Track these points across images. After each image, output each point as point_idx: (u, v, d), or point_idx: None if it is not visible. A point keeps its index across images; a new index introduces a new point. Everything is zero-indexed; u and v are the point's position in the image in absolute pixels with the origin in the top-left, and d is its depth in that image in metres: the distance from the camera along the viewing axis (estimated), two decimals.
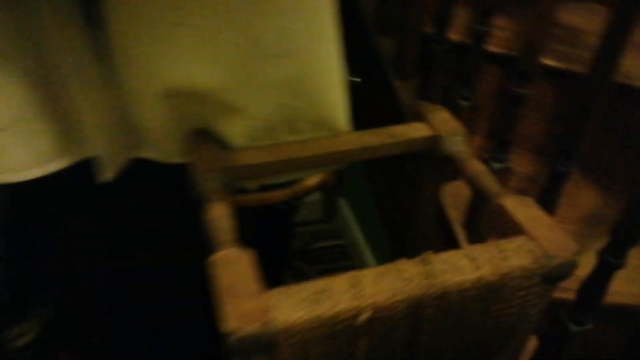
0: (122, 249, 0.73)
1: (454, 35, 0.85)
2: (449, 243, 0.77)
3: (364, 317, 0.40)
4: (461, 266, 0.42)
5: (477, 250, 0.43)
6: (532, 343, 0.69)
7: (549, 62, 0.83)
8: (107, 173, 0.57)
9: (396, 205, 0.93)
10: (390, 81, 0.92)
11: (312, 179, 0.81)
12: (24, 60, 0.48)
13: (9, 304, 0.69)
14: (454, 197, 0.83)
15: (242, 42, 0.45)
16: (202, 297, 0.82)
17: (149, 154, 0.60)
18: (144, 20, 0.46)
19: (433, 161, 0.60)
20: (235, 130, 0.53)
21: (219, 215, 0.47)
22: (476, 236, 0.73)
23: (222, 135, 0.55)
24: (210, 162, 0.51)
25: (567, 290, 0.58)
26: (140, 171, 0.62)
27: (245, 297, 0.39)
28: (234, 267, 0.41)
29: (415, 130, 0.57)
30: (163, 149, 0.59)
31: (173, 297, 0.79)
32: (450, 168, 0.65)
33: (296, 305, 0.39)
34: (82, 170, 0.58)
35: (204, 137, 0.55)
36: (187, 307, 0.83)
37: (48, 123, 0.52)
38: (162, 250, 0.75)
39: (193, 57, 0.46)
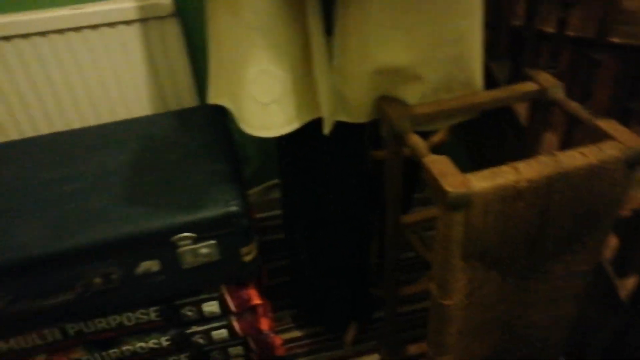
0: (318, 186, 1.05)
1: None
2: None
3: (521, 185, 0.69)
4: (576, 157, 0.71)
5: (586, 148, 0.72)
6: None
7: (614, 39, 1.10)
8: (326, 130, 0.88)
9: (498, 156, 1.21)
10: (487, 63, 1.21)
11: (437, 136, 1.10)
12: (293, 51, 0.80)
13: (246, 228, 1.02)
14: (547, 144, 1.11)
15: (432, 32, 0.76)
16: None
17: (344, 117, 0.91)
18: (367, 26, 0.77)
19: (541, 107, 0.88)
20: (413, 93, 0.84)
21: (417, 140, 0.77)
22: None
23: (402, 98, 0.86)
24: (402, 111, 0.82)
25: None
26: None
27: (452, 176, 0.69)
28: (439, 163, 0.71)
29: (528, 86, 0.86)
30: (356, 112, 0.90)
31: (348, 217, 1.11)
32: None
33: (482, 180, 0.69)
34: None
35: (388, 100, 0.86)
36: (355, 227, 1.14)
37: (298, 95, 0.85)
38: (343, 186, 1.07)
39: (398, 45, 0.77)
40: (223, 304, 1.10)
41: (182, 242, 0.97)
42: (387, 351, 1.19)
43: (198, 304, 1.08)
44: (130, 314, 1.06)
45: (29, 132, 1.32)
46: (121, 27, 1.23)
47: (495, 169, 0.70)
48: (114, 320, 1.06)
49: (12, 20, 1.17)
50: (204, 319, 1.11)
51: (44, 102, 1.29)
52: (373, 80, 0.83)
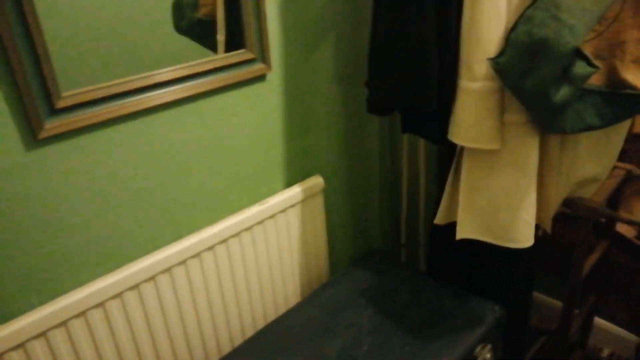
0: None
1: None
2: None
3: None
4: None
5: None
6: None
7: None
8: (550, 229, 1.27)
9: None
10: None
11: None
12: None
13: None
14: None
15: (613, 155, 1.27)
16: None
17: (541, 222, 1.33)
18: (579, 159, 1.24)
19: None
20: (588, 193, 1.32)
21: None
22: None
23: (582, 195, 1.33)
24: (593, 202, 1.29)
25: None
26: None
27: None
28: None
29: None
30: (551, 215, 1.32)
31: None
32: None
33: None
34: None
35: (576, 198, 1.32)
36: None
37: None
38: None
39: (594, 163, 1.26)
40: None
41: (481, 352, 1.18)
42: None
43: None
44: None
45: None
46: (290, 210, 1.40)
47: None
48: None
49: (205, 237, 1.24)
50: None
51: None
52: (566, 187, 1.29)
